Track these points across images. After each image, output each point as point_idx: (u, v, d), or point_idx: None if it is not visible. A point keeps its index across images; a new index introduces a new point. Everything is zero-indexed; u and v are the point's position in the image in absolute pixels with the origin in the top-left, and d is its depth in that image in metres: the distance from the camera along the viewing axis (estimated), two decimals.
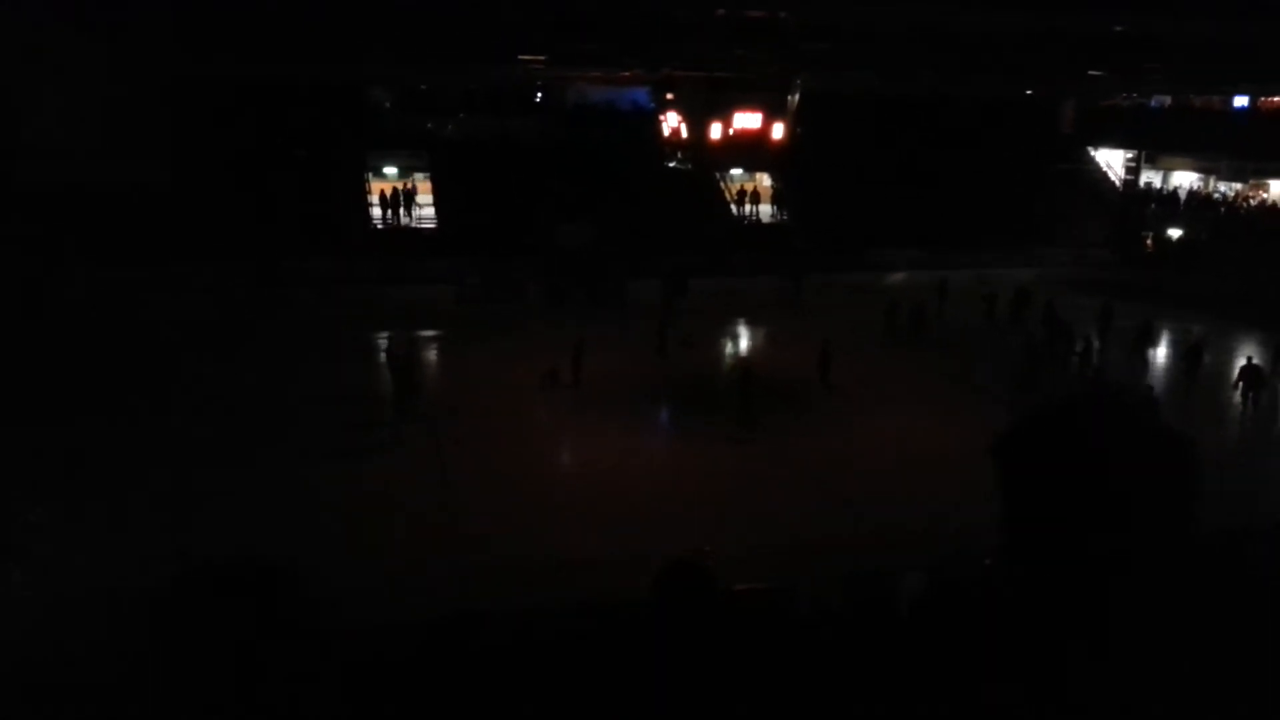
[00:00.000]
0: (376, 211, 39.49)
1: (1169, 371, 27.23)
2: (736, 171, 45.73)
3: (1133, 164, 49.36)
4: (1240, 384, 23.65)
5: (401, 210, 39.63)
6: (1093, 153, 50.28)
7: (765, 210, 44.16)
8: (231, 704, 1.45)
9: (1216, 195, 47.29)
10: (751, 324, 32.61)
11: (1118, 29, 34.33)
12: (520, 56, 36.27)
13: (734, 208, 43.66)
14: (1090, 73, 40.60)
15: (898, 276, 36.19)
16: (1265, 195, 46.08)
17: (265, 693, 1.49)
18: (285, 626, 1.50)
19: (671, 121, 46.66)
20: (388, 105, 45.46)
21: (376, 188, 40.51)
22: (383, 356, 25.37)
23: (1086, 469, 1.40)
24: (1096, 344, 27.29)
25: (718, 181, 44.63)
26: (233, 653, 1.42)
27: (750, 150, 45.30)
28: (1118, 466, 1.40)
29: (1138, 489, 1.39)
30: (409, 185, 40.42)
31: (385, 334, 28.01)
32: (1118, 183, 49.57)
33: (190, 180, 34.06)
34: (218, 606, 1.45)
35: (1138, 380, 24.53)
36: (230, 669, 1.42)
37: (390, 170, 42.16)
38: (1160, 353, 29.20)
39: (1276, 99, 47.89)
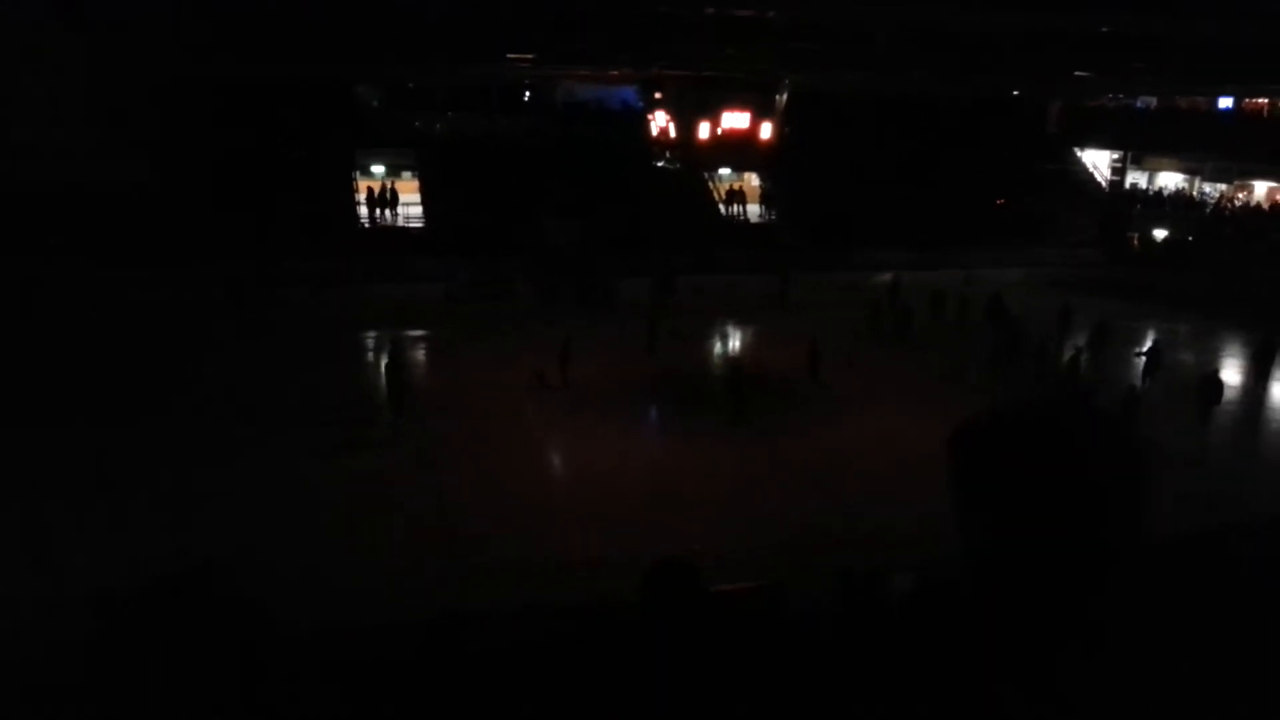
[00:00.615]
0: (364, 210, 39.38)
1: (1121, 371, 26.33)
2: (724, 171, 45.79)
3: (1119, 165, 49.64)
4: (1197, 394, 22.30)
5: (388, 210, 39.54)
6: (1079, 153, 50.54)
7: (753, 210, 44.25)
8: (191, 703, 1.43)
9: (1201, 196, 47.60)
10: (741, 322, 32.66)
11: (1104, 30, 34.51)
12: (509, 55, 36.18)
13: (721, 207, 43.72)
14: (1077, 73, 40.76)
15: (885, 276, 36.26)
16: (1249, 196, 46.42)
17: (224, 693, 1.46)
18: (227, 630, 1.48)
19: (660, 121, 46.63)
20: (375, 104, 45.33)
21: (364, 186, 40.40)
22: (384, 357, 25.43)
23: (1050, 467, 1.39)
24: (1054, 344, 27.33)
25: (706, 181, 44.67)
26: (184, 654, 1.41)
27: (739, 150, 45.31)
28: (1082, 467, 1.39)
29: (1100, 491, 1.38)
30: (389, 185, 40.26)
31: (374, 333, 27.95)
32: (1104, 183, 49.82)
33: (180, 180, 33.92)
34: (161, 612, 1.43)
35: (1098, 380, 24.28)
36: (185, 670, 1.40)
37: (378, 169, 42.04)
38: (1118, 352, 28.73)
39: (1261, 100, 48.21)
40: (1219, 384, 22.47)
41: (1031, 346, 26.36)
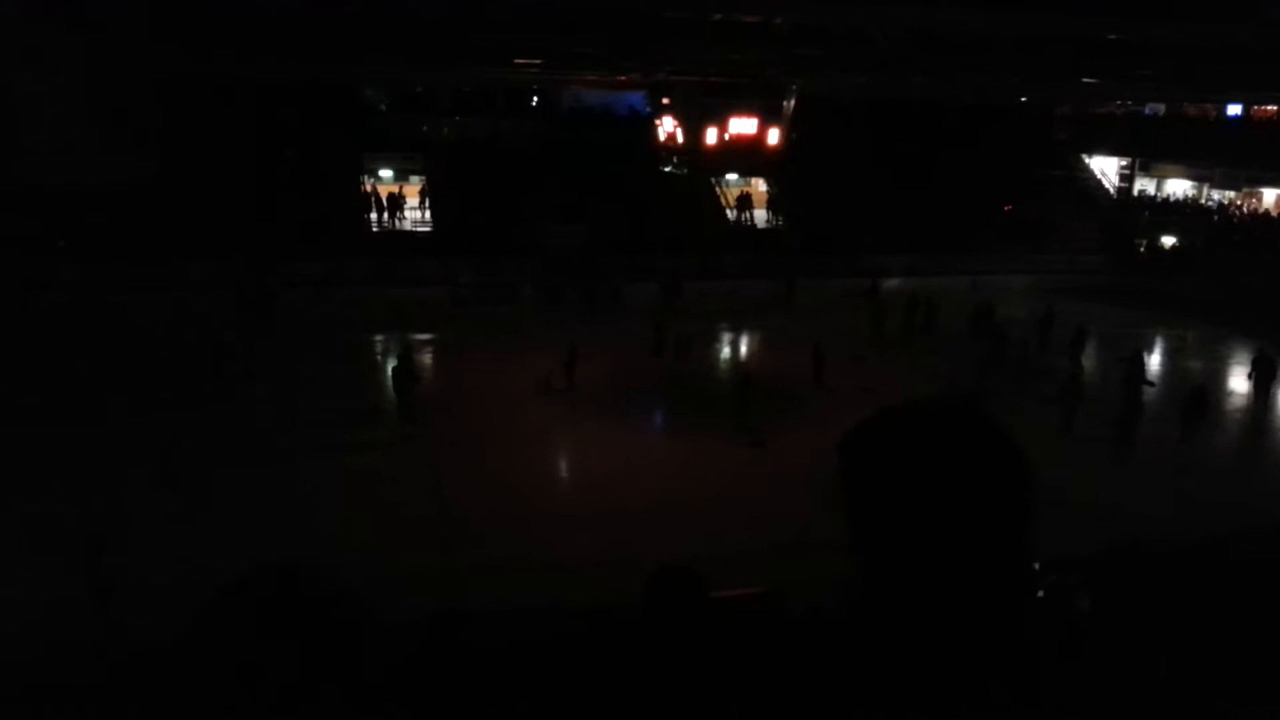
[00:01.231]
0: (372, 214, 39.49)
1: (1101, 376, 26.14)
2: (732, 177, 45.83)
3: (1126, 171, 49.52)
4: (1186, 411, 21.45)
5: (397, 213, 39.70)
6: (1087, 160, 50.45)
7: (760, 215, 44.29)
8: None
9: (1210, 203, 47.48)
10: (746, 327, 32.67)
11: (1112, 36, 34.42)
12: (516, 60, 36.23)
13: (730, 213, 43.76)
14: (1084, 79, 40.68)
15: (891, 282, 36.27)
16: (1258, 203, 46.29)
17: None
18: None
19: (667, 126, 46.68)
20: (383, 107, 45.46)
21: (369, 188, 40.53)
22: (390, 360, 25.52)
23: (926, 470, 1.37)
24: (1035, 348, 27.21)
25: (713, 186, 44.70)
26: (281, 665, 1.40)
27: (746, 155, 45.32)
28: (957, 470, 1.36)
29: (978, 496, 1.35)
30: (399, 189, 40.49)
31: (379, 336, 27.98)
32: (1112, 190, 49.72)
33: (185, 180, 34.05)
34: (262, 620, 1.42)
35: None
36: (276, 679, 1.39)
37: (386, 172, 42.17)
38: (1098, 358, 28.61)
39: (1270, 108, 48.08)
40: (1205, 398, 21.92)
41: (1015, 353, 26.12)
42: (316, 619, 1.45)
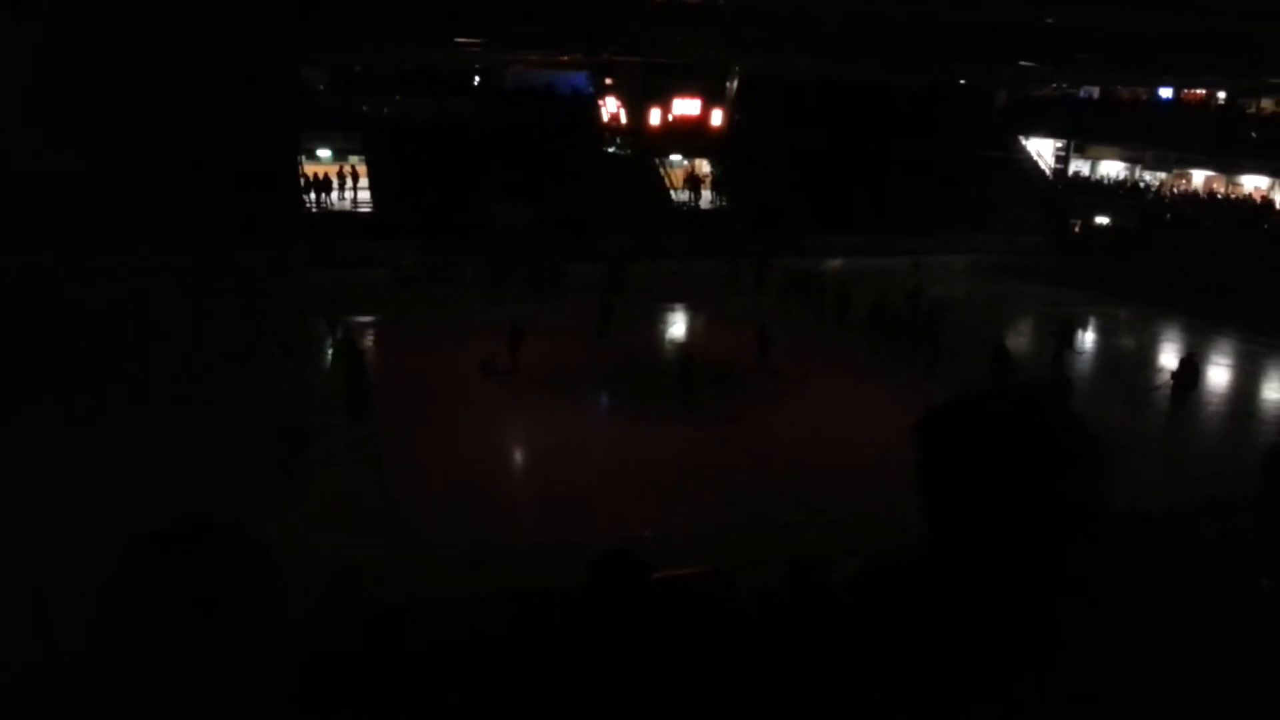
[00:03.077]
0: (311, 195, 38.82)
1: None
2: (675, 157, 45.86)
3: (1062, 153, 50.50)
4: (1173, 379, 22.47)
5: (335, 194, 39.09)
6: (1023, 141, 51.34)
7: (705, 195, 44.39)
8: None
9: (1142, 184, 48.65)
10: (691, 308, 32.70)
11: (1048, 20, 35.02)
12: (457, 39, 35.79)
13: (682, 193, 43.79)
14: (1021, 63, 41.38)
15: (834, 263, 36.58)
16: (1187, 185, 47.54)
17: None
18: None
19: (611, 106, 46.57)
20: (321, 87, 44.59)
21: (310, 171, 39.79)
22: (328, 342, 25.15)
23: (1014, 451, 1.42)
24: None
25: (657, 167, 44.68)
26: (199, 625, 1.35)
27: (689, 136, 45.43)
28: (1044, 452, 1.41)
29: (1062, 475, 1.40)
30: (341, 169, 39.92)
31: (320, 319, 27.46)
32: (1048, 171, 50.69)
33: (120, 166, 33.16)
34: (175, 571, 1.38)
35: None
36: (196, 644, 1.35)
37: (324, 153, 41.43)
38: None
39: (1199, 91, 49.32)
40: (1194, 370, 22.73)
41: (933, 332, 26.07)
42: (233, 573, 1.42)
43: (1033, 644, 1.41)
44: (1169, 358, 27.71)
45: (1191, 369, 22.61)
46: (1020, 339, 28.90)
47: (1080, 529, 1.41)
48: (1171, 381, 22.63)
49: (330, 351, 24.39)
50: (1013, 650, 1.40)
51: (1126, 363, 28.34)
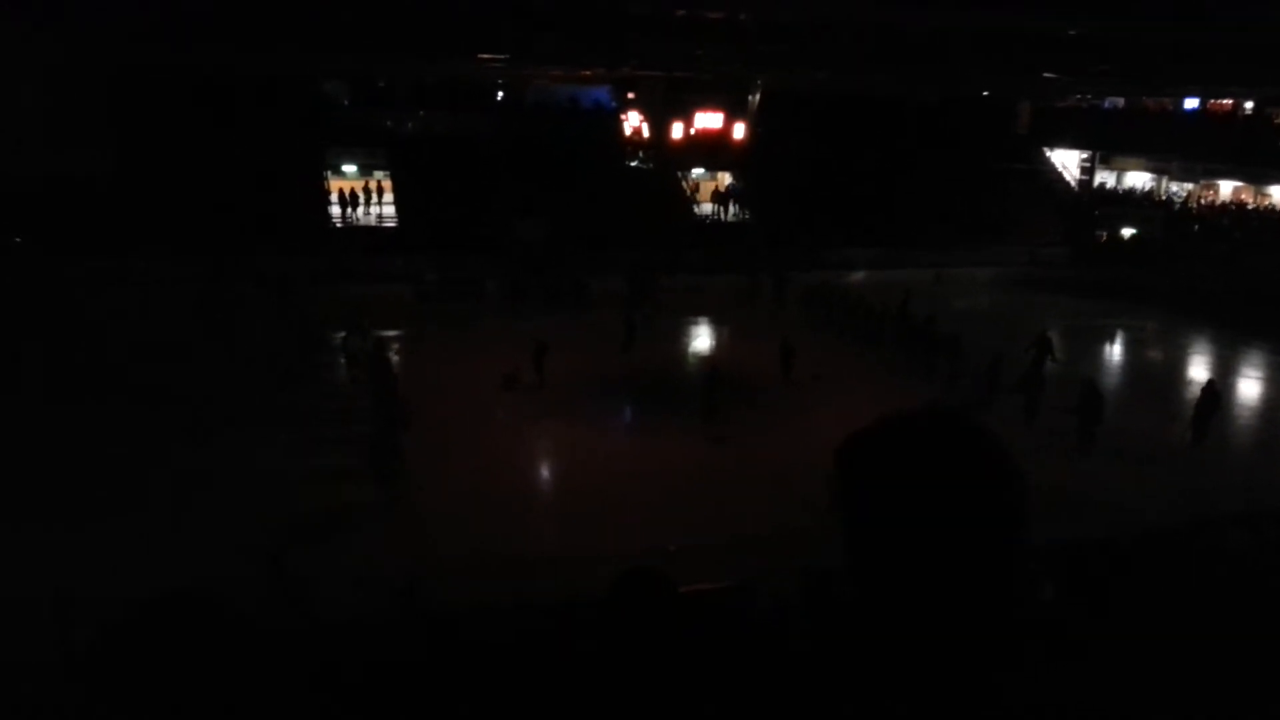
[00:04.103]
0: (335, 210, 39.15)
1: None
2: (699, 171, 45.94)
3: (1087, 164, 50.18)
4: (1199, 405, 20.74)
5: (360, 209, 39.40)
6: (1048, 153, 51.07)
7: (730, 209, 44.41)
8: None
9: (1168, 195, 48.26)
10: (714, 321, 32.69)
11: (1072, 32, 34.89)
12: (480, 55, 36.08)
13: (708, 207, 43.85)
14: (1045, 75, 41.20)
15: (857, 276, 36.50)
16: (1214, 195, 47.12)
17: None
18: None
19: (633, 121, 46.76)
20: (345, 102, 45.03)
21: (335, 186, 40.13)
22: (342, 356, 25.28)
23: (913, 482, 1.41)
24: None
25: (679, 180, 44.76)
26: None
27: (712, 150, 45.51)
28: (942, 483, 1.40)
29: (978, 500, 1.39)
30: (367, 184, 40.27)
31: (344, 333, 27.69)
32: (1073, 183, 50.37)
33: (146, 173, 33.61)
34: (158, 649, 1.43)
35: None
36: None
37: (349, 168, 41.78)
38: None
39: (1225, 101, 48.92)
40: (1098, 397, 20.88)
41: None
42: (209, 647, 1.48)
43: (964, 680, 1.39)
44: (1197, 370, 27.48)
45: (1213, 396, 20.97)
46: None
47: (1000, 562, 1.39)
48: (1192, 411, 21.10)
49: (358, 365, 24.46)
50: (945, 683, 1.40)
51: (1153, 377, 28.06)
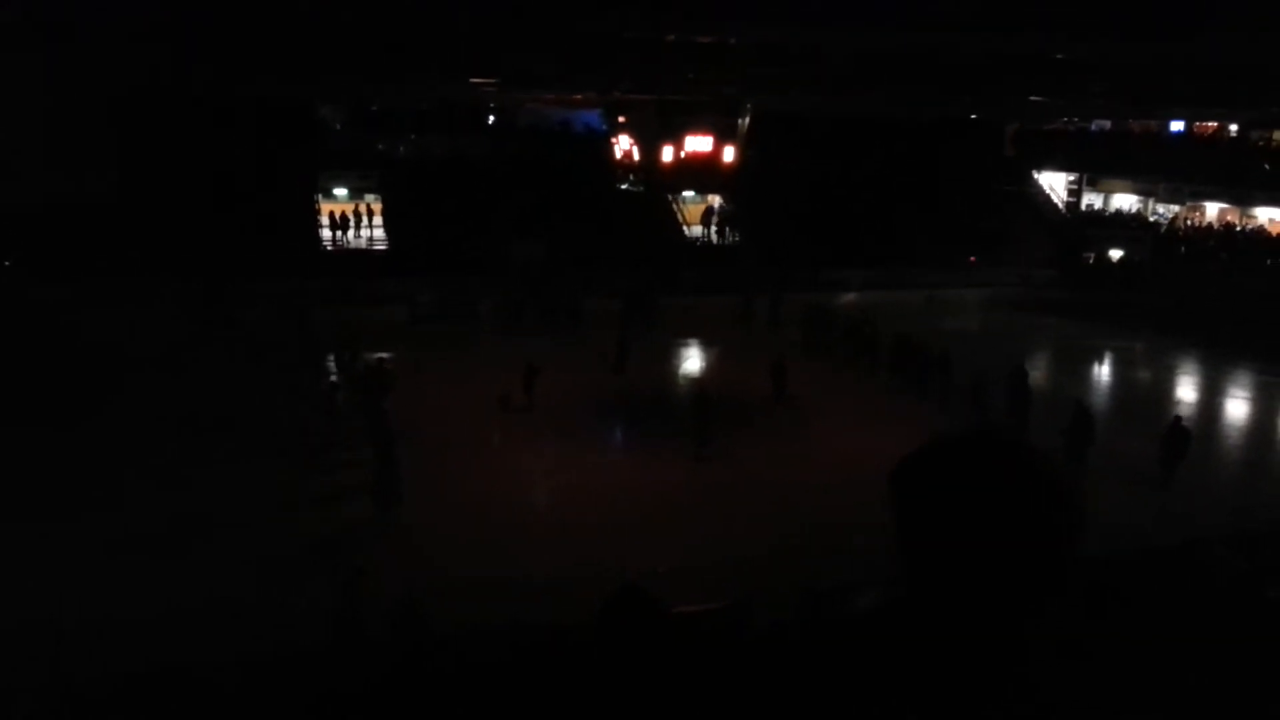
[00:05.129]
0: (326, 232, 39.20)
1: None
2: (689, 193, 46.15)
3: (1075, 186, 50.58)
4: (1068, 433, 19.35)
5: (351, 231, 39.47)
6: (1036, 175, 51.44)
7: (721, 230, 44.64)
8: None
9: (1155, 217, 48.61)
10: (705, 342, 32.71)
11: (1059, 56, 35.21)
12: (472, 79, 36.25)
13: (700, 229, 44.01)
14: (1032, 98, 41.56)
15: (849, 297, 36.62)
16: (1200, 217, 47.49)
17: None
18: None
19: (624, 144, 47.00)
20: (338, 126, 45.19)
21: (326, 209, 40.18)
22: (333, 377, 25.23)
23: (989, 496, 1.44)
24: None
25: (670, 203, 44.94)
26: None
27: (702, 172, 45.75)
28: (1017, 496, 1.44)
29: (1037, 518, 1.43)
30: (358, 207, 40.36)
31: (336, 355, 27.67)
32: (1061, 205, 50.73)
33: (142, 196, 33.67)
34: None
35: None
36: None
37: (341, 191, 41.86)
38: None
39: (1210, 124, 49.39)
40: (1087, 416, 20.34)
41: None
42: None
43: (1006, 687, 1.44)
44: (1185, 390, 27.61)
45: (1182, 436, 19.80)
46: (1035, 372, 28.72)
47: (1058, 576, 1.43)
48: (1159, 449, 19.87)
49: (348, 386, 24.38)
50: (987, 694, 1.43)
51: (1142, 398, 28.17)
